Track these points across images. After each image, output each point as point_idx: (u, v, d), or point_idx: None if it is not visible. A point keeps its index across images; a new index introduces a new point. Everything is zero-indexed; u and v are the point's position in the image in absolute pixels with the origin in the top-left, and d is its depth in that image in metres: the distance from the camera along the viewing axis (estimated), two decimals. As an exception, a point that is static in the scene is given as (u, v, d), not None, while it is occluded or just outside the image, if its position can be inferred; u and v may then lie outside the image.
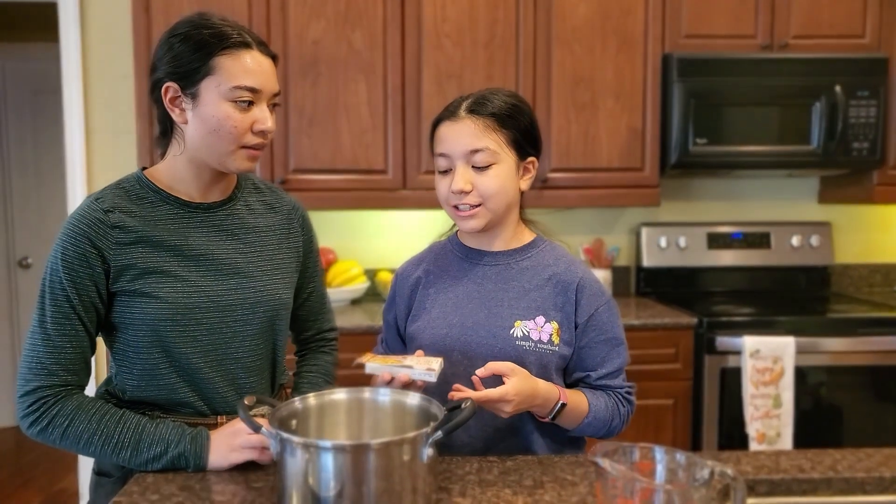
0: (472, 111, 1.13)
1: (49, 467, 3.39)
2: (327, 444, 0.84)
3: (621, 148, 2.50)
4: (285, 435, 0.85)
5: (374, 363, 1.06)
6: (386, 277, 2.60)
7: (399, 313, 1.25)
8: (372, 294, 2.74)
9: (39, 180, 3.96)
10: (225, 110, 1.06)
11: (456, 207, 1.15)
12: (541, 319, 1.14)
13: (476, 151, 1.11)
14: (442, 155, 1.15)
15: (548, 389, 1.09)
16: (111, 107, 2.70)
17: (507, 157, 1.14)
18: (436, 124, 1.17)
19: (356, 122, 2.42)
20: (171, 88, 1.07)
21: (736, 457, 1.08)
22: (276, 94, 1.11)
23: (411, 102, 2.43)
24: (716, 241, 2.79)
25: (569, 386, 1.19)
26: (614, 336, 1.18)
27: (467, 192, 1.12)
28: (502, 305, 1.16)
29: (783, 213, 2.90)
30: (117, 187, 1.12)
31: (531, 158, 1.18)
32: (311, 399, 1.00)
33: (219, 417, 1.14)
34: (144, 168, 1.17)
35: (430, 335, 1.16)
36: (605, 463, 0.75)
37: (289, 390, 1.31)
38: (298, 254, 1.26)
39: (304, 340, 1.37)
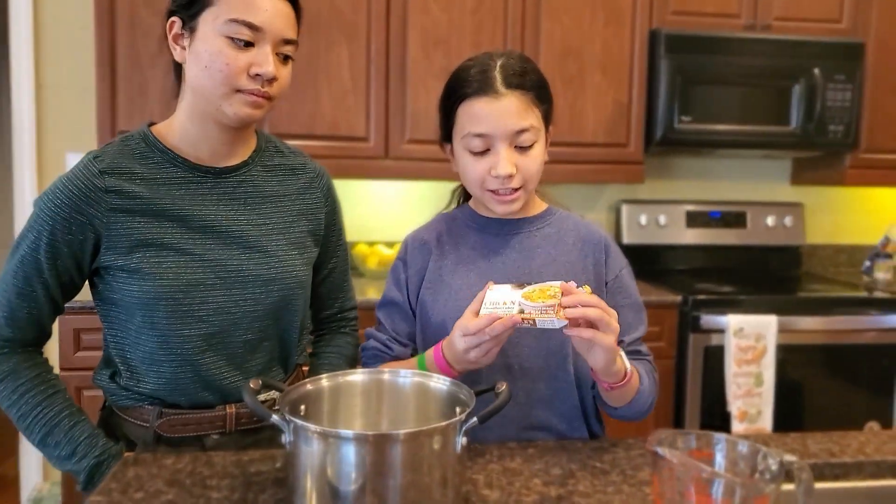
0: (512, 85, 1.01)
1: (-14, 452, 3.16)
2: (349, 434, 0.76)
3: (607, 123, 2.45)
4: (300, 423, 0.76)
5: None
6: (364, 251, 2.49)
7: (411, 284, 1.14)
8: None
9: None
10: (218, 45, 0.94)
11: (494, 191, 1.05)
12: (573, 284, 1.08)
13: (522, 132, 1.02)
14: (479, 135, 1.03)
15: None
16: (66, 60, 2.47)
17: (543, 133, 1.07)
18: (462, 98, 1.03)
19: (337, 85, 2.29)
20: (175, 23, 0.97)
21: (763, 440, 1.05)
22: (287, 42, 0.98)
23: (395, 67, 2.31)
24: (694, 220, 2.79)
25: None
26: (636, 301, 1.13)
27: (512, 176, 1.02)
28: (531, 273, 1.09)
29: (757, 193, 2.92)
30: (122, 144, 1.00)
31: (550, 127, 1.11)
32: (324, 381, 0.90)
33: (227, 407, 1.05)
34: (152, 123, 1.04)
35: (453, 307, 1.06)
36: (665, 452, 0.69)
37: (306, 368, 1.21)
38: (318, 226, 1.14)
39: (324, 319, 1.25)
